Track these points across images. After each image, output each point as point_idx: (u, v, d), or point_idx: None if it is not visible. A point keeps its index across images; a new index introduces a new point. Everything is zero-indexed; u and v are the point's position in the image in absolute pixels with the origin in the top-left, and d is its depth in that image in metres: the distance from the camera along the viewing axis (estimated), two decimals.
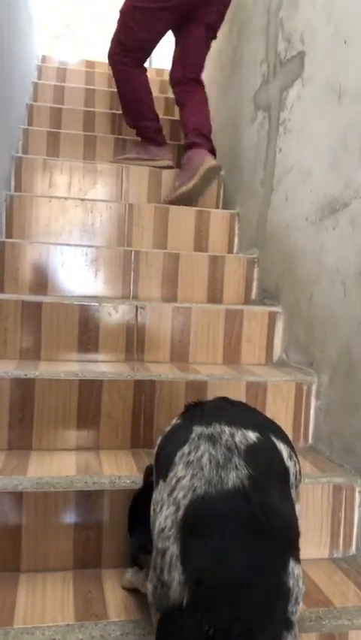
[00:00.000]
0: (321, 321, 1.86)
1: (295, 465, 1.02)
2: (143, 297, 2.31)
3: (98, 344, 2.02)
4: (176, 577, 0.77)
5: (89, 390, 1.72)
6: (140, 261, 2.34)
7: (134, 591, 1.28)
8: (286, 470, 0.95)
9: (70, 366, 1.84)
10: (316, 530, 1.55)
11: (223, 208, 2.95)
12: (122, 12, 2.83)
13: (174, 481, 0.88)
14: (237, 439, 0.90)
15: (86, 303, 2.01)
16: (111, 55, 2.91)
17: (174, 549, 0.79)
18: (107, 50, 2.94)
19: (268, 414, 1.82)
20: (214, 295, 2.42)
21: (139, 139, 3.08)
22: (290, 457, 0.99)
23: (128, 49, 2.83)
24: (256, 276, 2.46)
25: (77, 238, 2.57)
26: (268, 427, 1.00)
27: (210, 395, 1.78)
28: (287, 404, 1.86)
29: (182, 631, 0.73)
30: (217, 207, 3.00)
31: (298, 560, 0.82)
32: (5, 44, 2.45)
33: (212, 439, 0.89)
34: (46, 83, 3.83)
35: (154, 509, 0.94)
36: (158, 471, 1.00)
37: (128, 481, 1.45)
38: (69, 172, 2.85)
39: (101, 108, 3.47)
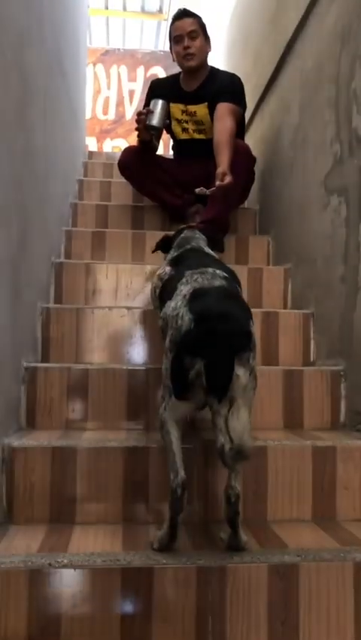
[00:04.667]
0: None
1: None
2: None
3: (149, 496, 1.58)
4: (186, 318, 1.33)
5: None
6: None
7: None
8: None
9: None
10: None
11: (293, 308, 2.52)
12: None
13: (178, 292, 1.45)
14: (218, 272, 1.50)
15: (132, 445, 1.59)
16: None
17: (184, 309, 1.36)
18: None
19: None
20: (292, 421, 1.95)
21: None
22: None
23: None
24: (343, 393, 1.98)
25: (123, 354, 2.18)
26: (232, 275, 1.62)
27: (302, 585, 1.29)
28: None
29: (193, 335, 1.30)
30: (285, 307, 2.58)
31: (253, 325, 1.40)
32: (40, 142, 2.20)
33: (202, 272, 1.49)
34: (92, 179, 3.62)
35: (164, 316, 1.53)
36: (163, 298, 1.63)
37: None
38: (115, 275, 2.52)
39: (151, 202, 3.18)
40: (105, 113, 6.34)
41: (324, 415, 1.97)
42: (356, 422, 1.87)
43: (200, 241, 1.97)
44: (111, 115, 6.35)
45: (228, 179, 2.42)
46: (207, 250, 1.93)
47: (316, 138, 2.35)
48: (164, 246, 2.12)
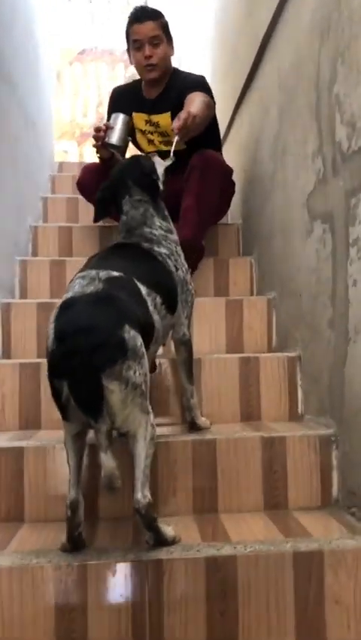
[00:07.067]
0: None
1: (154, 298, 1.52)
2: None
3: None
4: (51, 337, 1.27)
5: None
6: None
7: None
8: (144, 299, 1.47)
9: None
10: None
11: (278, 346, 2.19)
12: None
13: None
14: (100, 275, 1.38)
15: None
16: None
17: (51, 326, 1.29)
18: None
19: None
20: (275, 500, 1.61)
21: None
22: (148, 294, 1.50)
23: None
24: (335, 463, 1.65)
25: None
26: (134, 272, 1.48)
27: None
28: None
29: (55, 356, 1.25)
30: (269, 345, 2.24)
31: (135, 328, 1.29)
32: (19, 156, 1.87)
33: (83, 277, 1.39)
34: (58, 196, 3.29)
35: None
36: None
37: None
38: None
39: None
40: (85, 115, 5.99)
41: (313, 491, 1.63)
42: (351, 504, 1.54)
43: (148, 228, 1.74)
44: (91, 117, 5.99)
45: (184, 115, 2.09)
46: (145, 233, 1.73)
47: (296, 150, 2.01)
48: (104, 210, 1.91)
